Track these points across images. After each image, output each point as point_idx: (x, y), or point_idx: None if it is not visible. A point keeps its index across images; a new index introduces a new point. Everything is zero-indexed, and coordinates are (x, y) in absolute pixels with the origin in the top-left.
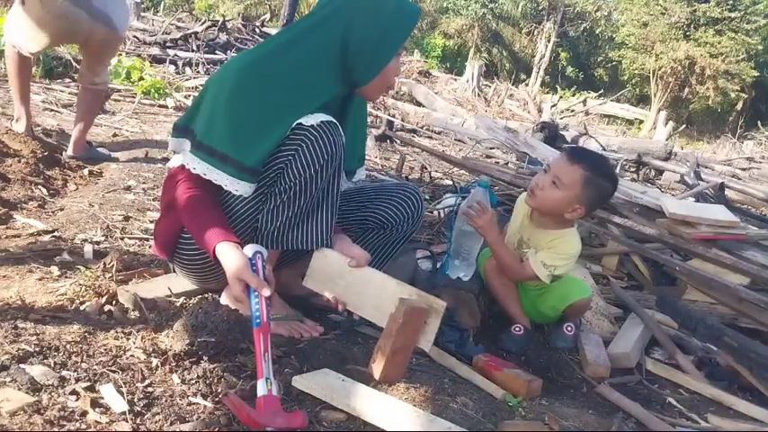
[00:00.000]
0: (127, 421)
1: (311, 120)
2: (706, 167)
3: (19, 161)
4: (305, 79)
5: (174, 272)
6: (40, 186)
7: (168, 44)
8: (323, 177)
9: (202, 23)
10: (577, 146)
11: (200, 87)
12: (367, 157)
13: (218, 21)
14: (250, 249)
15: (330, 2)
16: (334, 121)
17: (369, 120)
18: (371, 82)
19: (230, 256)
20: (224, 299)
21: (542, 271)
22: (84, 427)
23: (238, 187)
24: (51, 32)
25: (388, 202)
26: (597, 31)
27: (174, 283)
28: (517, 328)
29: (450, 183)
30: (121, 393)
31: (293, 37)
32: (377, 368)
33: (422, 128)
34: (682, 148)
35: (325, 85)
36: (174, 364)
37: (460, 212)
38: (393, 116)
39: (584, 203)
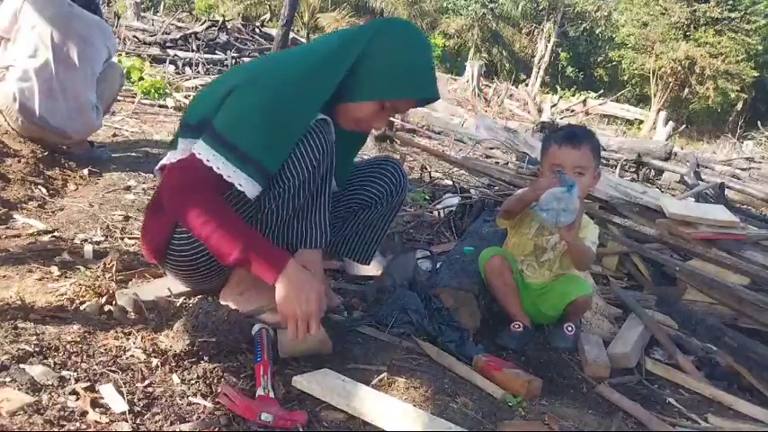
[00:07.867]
0: (127, 421)
1: None
2: (706, 168)
3: (19, 161)
4: (319, 84)
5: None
6: (40, 186)
7: (168, 44)
8: (315, 178)
9: (202, 23)
10: (560, 131)
11: (211, 83)
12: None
13: (218, 21)
14: (255, 327)
15: (372, 26)
16: (327, 118)
17: None
18: (347, 104)
19: (306, 274)
20: (224, 299)
21: (593, 249)
22: (84, 427)
23: (253, 189)
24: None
25: (369, 180)
26: (597, 31)
27: (174, 284)
28: (516, 325)
29: (450, 183)
30: (121, 393)
31: (329, 49)
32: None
33: (422, 128)
34: (681, 149)
35: (328, 89)
36: (174, 364)
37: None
38: (393, 116)
39: (598, 165)
